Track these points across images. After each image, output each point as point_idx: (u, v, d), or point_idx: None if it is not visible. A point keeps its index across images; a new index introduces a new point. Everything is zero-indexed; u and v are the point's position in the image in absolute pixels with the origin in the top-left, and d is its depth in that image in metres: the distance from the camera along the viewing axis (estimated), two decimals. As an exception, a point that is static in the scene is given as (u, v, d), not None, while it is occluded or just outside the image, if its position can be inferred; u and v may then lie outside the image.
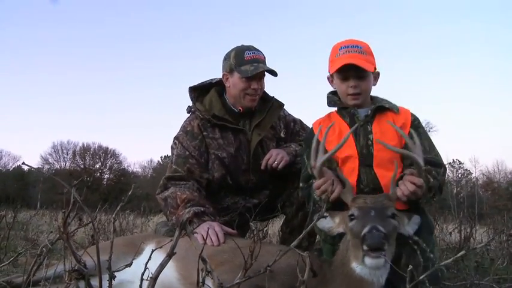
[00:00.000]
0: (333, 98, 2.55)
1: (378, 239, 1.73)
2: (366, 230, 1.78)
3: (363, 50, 2.41)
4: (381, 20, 76.94)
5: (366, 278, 1.85)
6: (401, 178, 2.12)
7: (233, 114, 2.95)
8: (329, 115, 2.57)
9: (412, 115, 2.45)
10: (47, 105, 77.73)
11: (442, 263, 1.68)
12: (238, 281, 1.19)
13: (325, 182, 2.11)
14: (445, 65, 76.55)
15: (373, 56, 2.47)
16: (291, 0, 76.90)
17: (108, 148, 51.08)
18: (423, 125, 2.52)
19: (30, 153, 62.74)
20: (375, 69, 2.46)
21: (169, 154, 3.00)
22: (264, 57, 2.91)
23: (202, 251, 1.19)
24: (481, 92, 73.94)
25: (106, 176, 51.59)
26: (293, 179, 2.84)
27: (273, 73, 2.88)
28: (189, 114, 3.03)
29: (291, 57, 75.71)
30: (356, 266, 1.87)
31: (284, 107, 3.11)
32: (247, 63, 2.81)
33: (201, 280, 1.14)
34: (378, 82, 2.54)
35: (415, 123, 2.43)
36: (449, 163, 48.90)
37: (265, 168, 2.84)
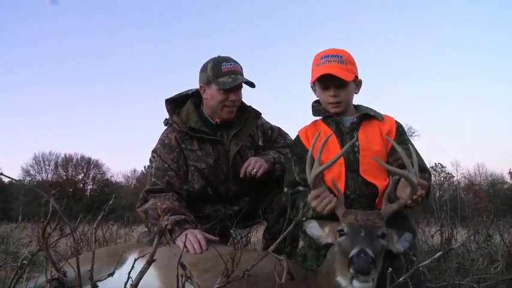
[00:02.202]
0: (317, 107, 2.58)
1: (366, 264, 1.70)
2: (354, 252, 1.75)
3: (343, 59, 2.44)
4: (360, 24, 78.01)
5: None
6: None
7: (210, 126, 2.94)
8: (315, 123, 2.60)
9: (397, 122, 2.50)
10: (28, 116, 76.53)
11: (420, 264, 1.70)
12: (217, 286, 1.20)
13: (320, 193, 2.08)
14: (425, 70, 77.90)
15: (354, 64, 2.50)
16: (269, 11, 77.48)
17: (90, 159, 50.52)
18: (405, 129, 2.57)
19: (11, 165, 61.56)
20: (356, 77, 2.50)
21: (153, 165, 2.97)
22: (241, 68, 2.91)
23: (181, 256, 1.20)
24: (462, 96, 75.43)
25: (89, 187, 50.96)
26: (272, 186, 2.87)
27: (251, 84, 2.88)
28: (166, 127, 3.02)
29: (272, 66, 76.11)
30: (341, 280, 1.86)
31: (261, 115, 3.11)
32: (224, 74, 2.80)
33: (180, 286, 1.15)
34: (361, 89, 2.57)
35: (400, 129, 2.48)
36: (432, 167, 49.57)
37: (244, 176, 2.83)
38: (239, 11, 77.83)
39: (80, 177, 50.39)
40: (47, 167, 49.35)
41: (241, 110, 3.00)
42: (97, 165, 50.79)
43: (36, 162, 48.92)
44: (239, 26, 78.37)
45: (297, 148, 2.53)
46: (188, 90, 3.05)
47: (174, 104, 3.00)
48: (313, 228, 2.10)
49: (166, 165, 2.82)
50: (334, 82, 2.41)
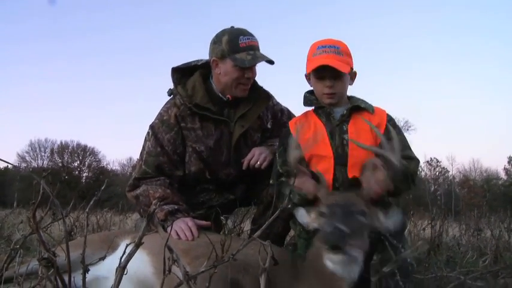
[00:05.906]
0: (309, 98, 2.55)
1: (335, 238, 1.73)
2: (327, 229, 1.80)
3: (340, 50, 2.43)
4: (357, 15, 77.73)
5: (337, 273, 1.85)
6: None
7: (217, 102, 2.73)
8: (306, 114, 2.58)
9: (388, 115, 2.48)
10: (24, 102, 76.26)
11: (404, 253, 1.73)
12: (203, 269, 1.22)
13: (302, 182, 2.12)
14: (423, 63, 77.88)
15: (350, 56, 2.49)
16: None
17: (86, 146, 50.36)
18: (401, 124, 2.57)
19: (6, 151, 61.29)
20: (352, 69, 2.49)
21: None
22: (258, 42, 2.70)
23: (167, 240, 1.22)
24: (459, 91, 75.53)
25: (85, 174, 50.94)
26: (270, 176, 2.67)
27: (270, 62, 2.68)
28: (169, 98, 2.81)
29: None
30: (328, 262, 1.87)
31: (272, 97, 2.94)
32: (242, 50, 2.60)
33: (167, 269, 1.17)
34: (355, 81, 2.56)
35: (391, 123, 2.44)
36: (427, 161, 49.90)
37: (248, 168, 2.70)
38: None
39: (76, 164, 50.40)
40: (43, 154, 49.22)
41: (251, 89, 2.78)
42: (93, 152, 50.69)
43: (32, 149, 48.79)
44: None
45: (286, 139, 2.46)
46: (197, 61, 2.81)
47: (181, 73, 2.78)
48: (302, 216, 2.13)
49: (159, 149, 2.65)
50: (330, 73, 2.38)
